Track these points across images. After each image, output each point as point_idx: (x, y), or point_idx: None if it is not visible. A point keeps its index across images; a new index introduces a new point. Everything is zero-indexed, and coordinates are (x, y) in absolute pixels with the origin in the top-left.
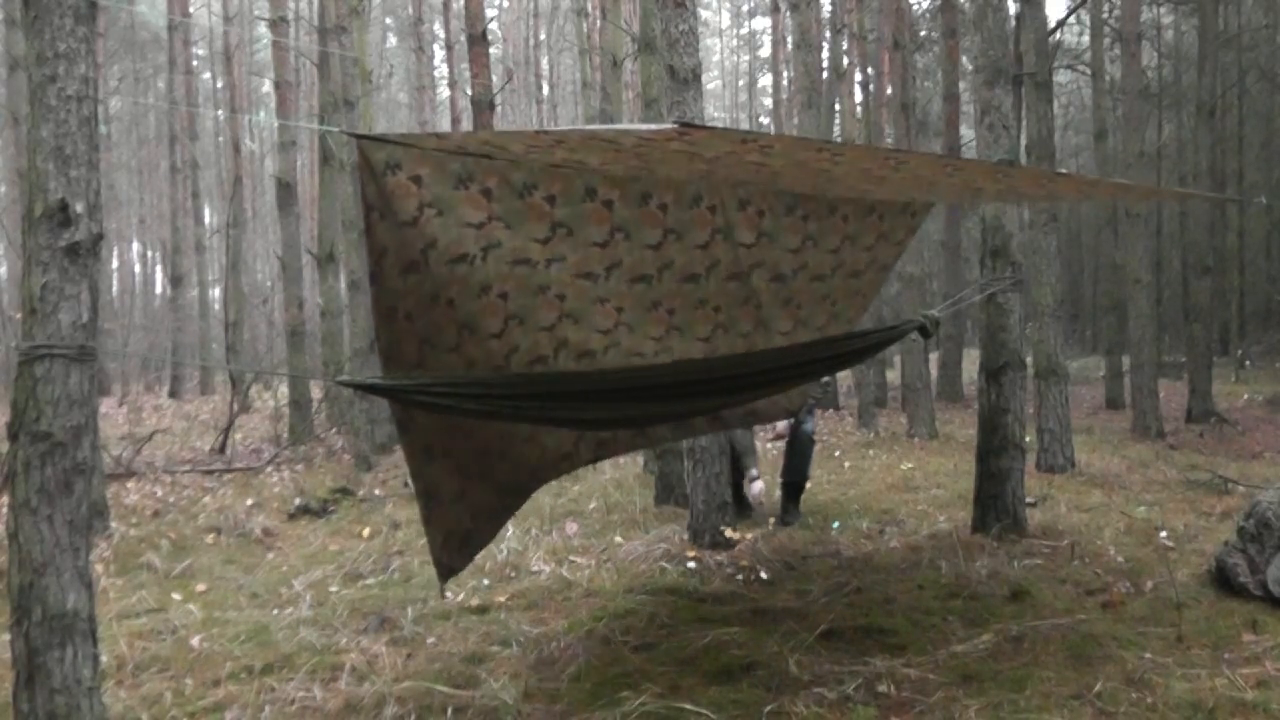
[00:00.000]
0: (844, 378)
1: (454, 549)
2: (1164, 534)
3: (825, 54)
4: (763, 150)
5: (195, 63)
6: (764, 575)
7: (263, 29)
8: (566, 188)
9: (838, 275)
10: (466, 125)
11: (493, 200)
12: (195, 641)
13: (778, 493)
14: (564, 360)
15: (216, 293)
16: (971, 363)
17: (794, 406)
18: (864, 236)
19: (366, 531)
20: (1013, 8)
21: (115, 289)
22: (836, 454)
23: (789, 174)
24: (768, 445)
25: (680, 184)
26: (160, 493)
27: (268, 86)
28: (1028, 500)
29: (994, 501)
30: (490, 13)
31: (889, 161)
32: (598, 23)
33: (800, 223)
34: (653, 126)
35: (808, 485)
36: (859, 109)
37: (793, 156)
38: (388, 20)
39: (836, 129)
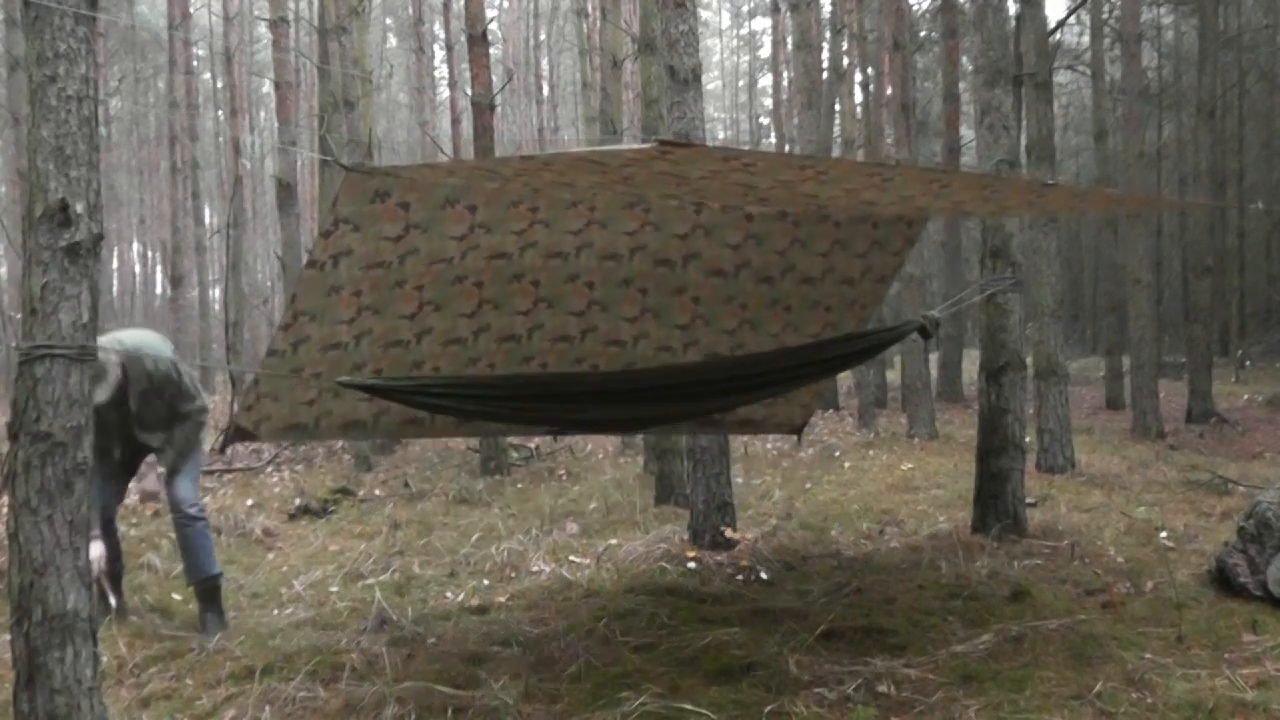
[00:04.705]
0: (844, 378)
1: (265, 425)
2: (1164, 534)
3: (825, 54)
4: (746, 169)
5: (195, 63)
6: (764, 575)
7: (263, 29)
8: (551, 200)
9: (829, 280)
10: (466, 125)
11: (477, 213)
12: (195, 641)
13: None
14: (537, 341)
15: (216, 293)
16: (971, 363)
17: (797, 421)
18: (856, 243)
19: (367, 531)
20: (1013, 8)
21: (115, 289)
22: (837, 454)
23: (776, 198)
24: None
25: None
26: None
27: (268, 87)
28: (1028, 500)
29: (994, 502)
30: (490, 13)
31: (875, 178)
32: (598, 23)
33: (790, 227)
34: (634, 146)
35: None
36: (859, 109)
37: (777, 176)
38: (388, 20)
39: (836, 129)
